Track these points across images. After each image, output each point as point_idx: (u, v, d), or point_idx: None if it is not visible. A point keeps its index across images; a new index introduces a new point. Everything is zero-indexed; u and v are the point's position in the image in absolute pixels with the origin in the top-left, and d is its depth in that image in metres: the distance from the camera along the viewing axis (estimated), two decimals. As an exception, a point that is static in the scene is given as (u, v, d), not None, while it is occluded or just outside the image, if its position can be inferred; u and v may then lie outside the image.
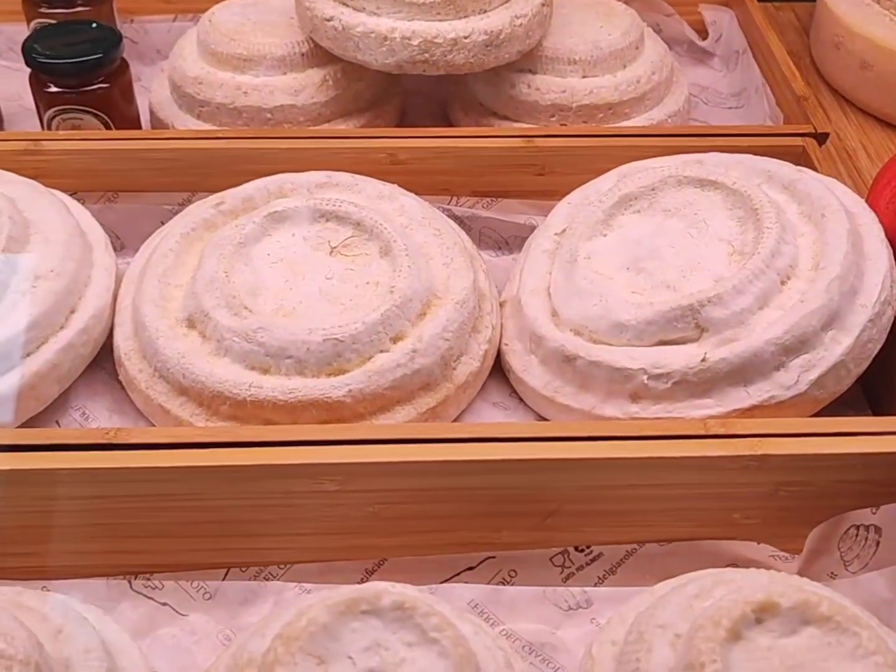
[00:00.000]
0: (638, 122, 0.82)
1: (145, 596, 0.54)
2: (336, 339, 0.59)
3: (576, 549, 0.55)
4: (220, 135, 0.76)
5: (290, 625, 0.43)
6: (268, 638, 0.44)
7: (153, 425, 0.62)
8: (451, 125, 0.86)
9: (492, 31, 0.76)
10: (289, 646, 0.42)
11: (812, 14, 0.96)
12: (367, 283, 0.63)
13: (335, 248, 0.65)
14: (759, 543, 0.55)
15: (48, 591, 0.52)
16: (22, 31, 0.92)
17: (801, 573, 0.53)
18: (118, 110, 0.80)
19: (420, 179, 0.73)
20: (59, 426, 0.63)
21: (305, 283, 0.63)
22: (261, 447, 0.52)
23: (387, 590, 0.44)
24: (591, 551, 0.55)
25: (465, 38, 0.76)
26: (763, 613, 0.43)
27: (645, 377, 0.58)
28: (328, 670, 0.42)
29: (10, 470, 0.51)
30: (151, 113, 0.86)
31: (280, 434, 0.54)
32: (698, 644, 0.42)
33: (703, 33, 0.97)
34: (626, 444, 0.53)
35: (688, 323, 0.59)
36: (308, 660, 0.42)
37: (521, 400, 0.65)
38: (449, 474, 0.52)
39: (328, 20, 0.76)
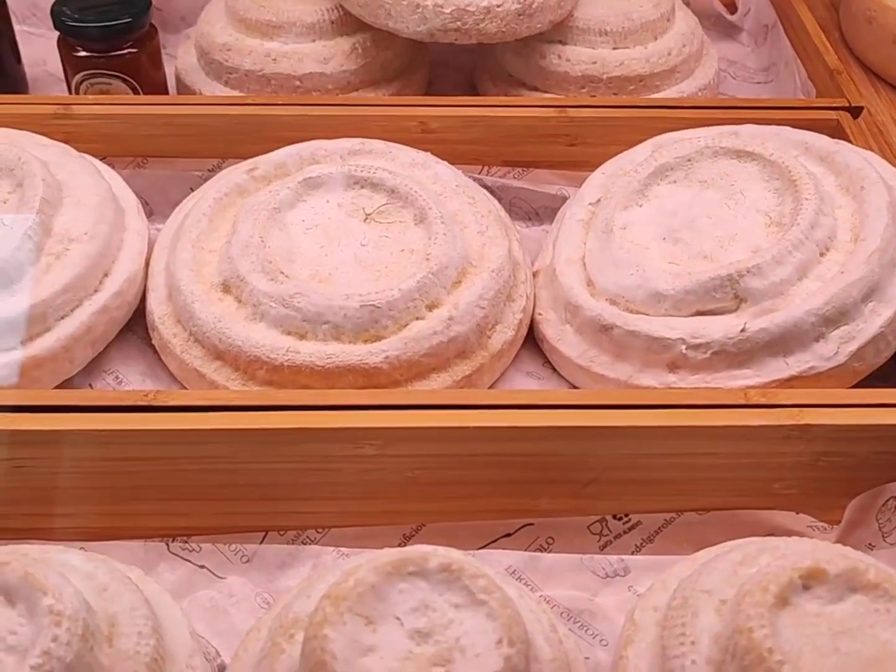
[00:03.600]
0: (668, 94, 0.82)
1: (182, 558, 0.54)
2: (373, 305, 0.59)
3: (614, 517, 0.55)
4: (251, 101, 0.75)
5: (338, 585, 0.43)
6: (314, 599, 0.44)
7: (187, 389, 0.62)
8: (478, 95, 0.86)
9: (524, 0, 0.75)
10: (337, 606, 0.42)
11: (842, -12, 0.96)
12: (402, 250, 0.63)
13: (370, 214, 0.65)
14: (797, 513, 0.55)
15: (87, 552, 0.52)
16: (45, -5, 0.92)
17: (839, 543, 0.53)
18: (146, 76, 0.79)
19: (451, 148, 0.73)
20: (93, 389, 0.62)
21: (340, 250, 0.63)
22: (301, 411, 0.52)
23: (433, 552, 0.44)
24: (630, 519, 0.55)
25: (498, 6, 0.75)
26: (810, 580, 0.43)
27: (683, 347, 0.58)
28: (376, 630, 0.42)
29: (48, 430, 0.51)
30: (178, 79, 0.85)
31: (321, 398, 0.53)
32: (746, 609, 0.42)
33: (731, 7, 0.96)
34: (666, 413, 0.53)
35: (726, 293, 0.59)
36: (356, 620, 0.42)
37: (553, 370, 0.65)
38: (488, 440, 0.52)
39: (359, -13, 0.76)
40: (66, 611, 0.41)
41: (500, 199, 0.73)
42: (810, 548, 0.47)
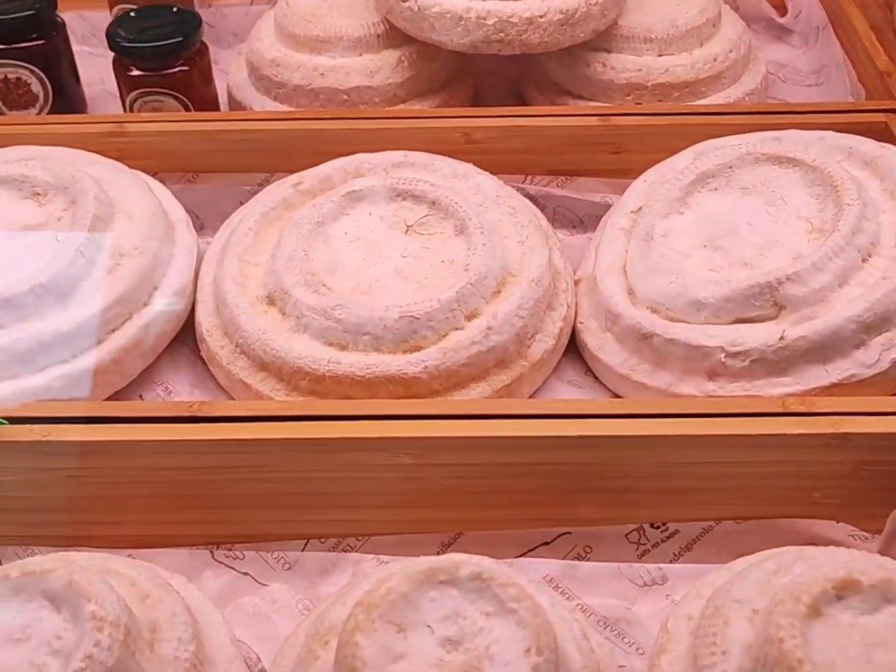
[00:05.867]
0: (714, 100, 0.82)
1: (226, 566, 0.55)
2: (412, 316, 0.59)
3: (652, 525, 0.55)
4: (298, 115, 0.77)
5: (371, 593, 0.43)
6: (348, 606, 0.45)
7: (234, 400, 0.63)
8: (524, 105, 0.86)
9: (567, 10, 0.76)
10: (369, 613, 0.43)
11: (896, -12, 0.94)
12: (443, 261, 0.64)
13: (411, 226, 0.66)
14: (838, 523, 0.54)
15: (133, 559, 0.54)
16: (103, 17, 0.95)
17: (880, 553, 0.52)
18: (198, 93, 0.81)
19: (495, 158, 0.73)
20: (143, 400, 0.64)
21: (382, 261, 0.64)
22: (341, 420, 0.53)
23: (465, 560, 0.45)
24: (667, 528, 0.55)
25: (541, 17, 0.75)
26: (844, 590, 0.43)
27: (723, 355, 0.58)
28: (407, 638, 0.43)
29: (98, 441, 0.53)
30: (229, 95, 0.87)
31: (360, 408, 0.54)
32: (777, 619, 0.42)
33: (781, 10, 0.95)
34: (704, 422, 0.53)
35: (766, 300, 0.58)
36: (388, 627, 0.43)
37: (595, 378, 0.65)
38: (525, 449, 0.53)
39: (404, 1, 0.77)
40: (109, 616, 0.43)
41: (543, 208, 0.73)
42: (846, 558, 0.46)
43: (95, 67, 0.93)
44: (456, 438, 0.52)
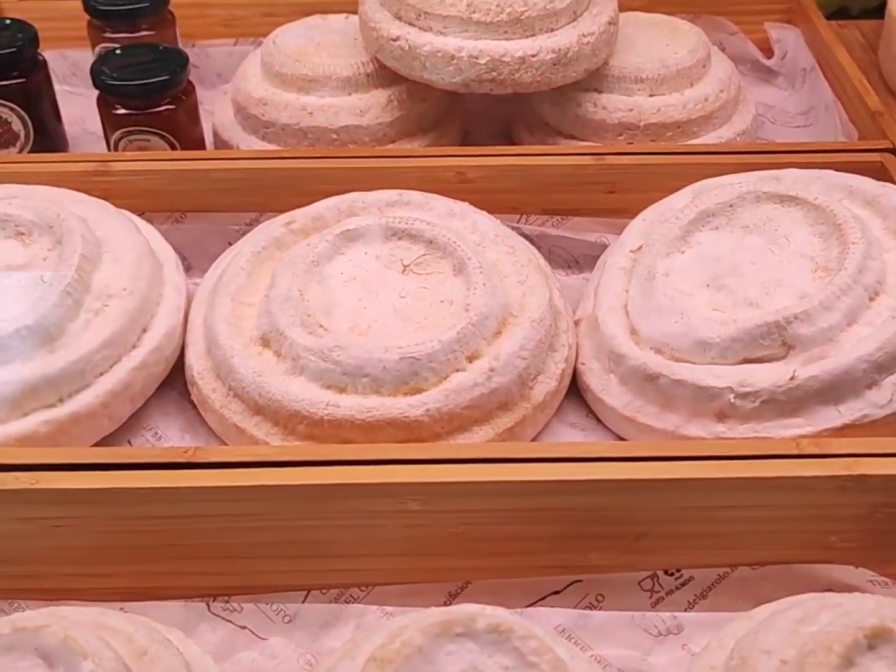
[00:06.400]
0: (706, 140, 0.81)
1: (224, 619, 0.53)
2: (413, 357, 0.58)
3: (665, 572, 0.53)
4: (288, 154, 0.76)
5: (384, 647, 0.41)
6: (359, 661, 0.43)
7: (227, 445, 0.61)
8: (514, 145, 0.85)
9: (559, 50, 0.75)
10: (383, 669, 0.41)
11: (878, 31, 0.95)
12: (441, 301, 0.62)
13: (408, 266, 0.65)
14: (856, 567, 0.53)
15: (126, 612, 0.51)
16: (85, 56, 0.93)
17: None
18: (184, 131, 0.80)
19: (489, 198, 0.72)
20: (132, 445, 0.62)
21: (379, 302, 0.63)
22: (345, 465, 0.51)
23: (480, 611, 0.43)
24: (682, 575, 0.53)
25: (533, 56, 0.75)
26: (876, 639, 0.42)
27: (732, 396, 0.57)
28: (424, 694, 0.41)
29: (90, 489, 0.51)
30: (215, 135, 0.86)
31: (363, 453, 0.52)
32: (810, 670, 0.41)
33: (767, 52, 0.96)
34: (718, 464, 0.51)
35: (774, 340, 0.57)
36: (403, 684, 0.41)
37: (598, 420, 0.64)
38: (536, 494, 0.51)
39: (394, 40, 0.76)
40: (106, 676, 0.40)
41: (539, 248, 0.72)
42: (874, 605, 0.45)
43: (77, 106, 0.91)
44: (465, 483, 0.50)
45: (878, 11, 1.01)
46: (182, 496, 0.51)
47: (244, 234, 0.71)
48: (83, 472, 0.52)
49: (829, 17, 0.96)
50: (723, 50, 0.91)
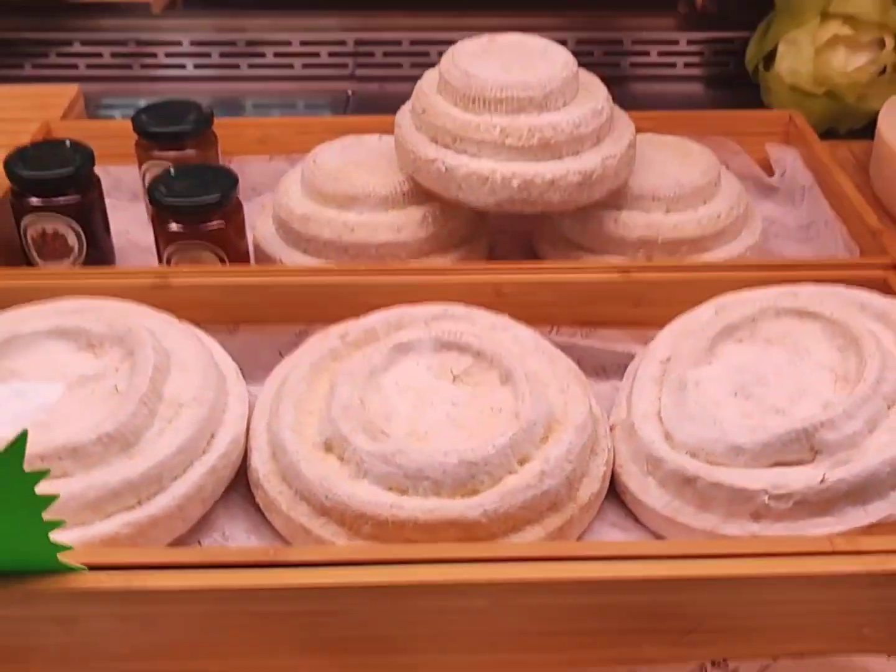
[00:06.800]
0: (718, 254, 0.87)
1: (302, 711, 0.56)
2: (470, 461, 0.62)
3: (713, 663, 0.57)
4: (336, 270, 0.81)
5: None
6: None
7: (293, 545, 0.65)
8: (538, 259, 0.91)
9: (585, 172, 0.81)
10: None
11: (867, 151, 1.02)
12: (491, 408, 0.67)
13: (457, 375, 0.69)
14: (889, 657, 0.57)
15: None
16: (127, 170, 1.00)
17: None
18: (232, 246, 0.85)
19: (523, 311, 0.77)
20: (201, 545, 0.65)
21: (433, 409, 0.67)
22: (425, 565, 0.55)
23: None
24: (728, 666, 0.57)
25: (561, 178, 0.81)
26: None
27: (766, 497, 0.61)
28: None
29: (181, 590, 0.54)
30: (256, 247, 0.90)
31: (435, 552, 0.56)
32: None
33: (768, 170, 1.03)
34: (759, 562, 0.56)
35: (802, 445, 0.62)
36: None
37: (636, 520, 0.68)
38: (594, 592, 0.55)
39: (431, 161, 0.82)
40: None
41: (569, 357, 0.77)
42: (913, 691, 0.49)
43: (121, 219, 0.96)
44: (530, 582, 0.54)
45: (864, 131, 1.09)
46: (267, 595, 0.55)
47: (294, 343, 0.76)
48: (176, 571, 0.55)
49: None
50: (727, 168, 0.98)
